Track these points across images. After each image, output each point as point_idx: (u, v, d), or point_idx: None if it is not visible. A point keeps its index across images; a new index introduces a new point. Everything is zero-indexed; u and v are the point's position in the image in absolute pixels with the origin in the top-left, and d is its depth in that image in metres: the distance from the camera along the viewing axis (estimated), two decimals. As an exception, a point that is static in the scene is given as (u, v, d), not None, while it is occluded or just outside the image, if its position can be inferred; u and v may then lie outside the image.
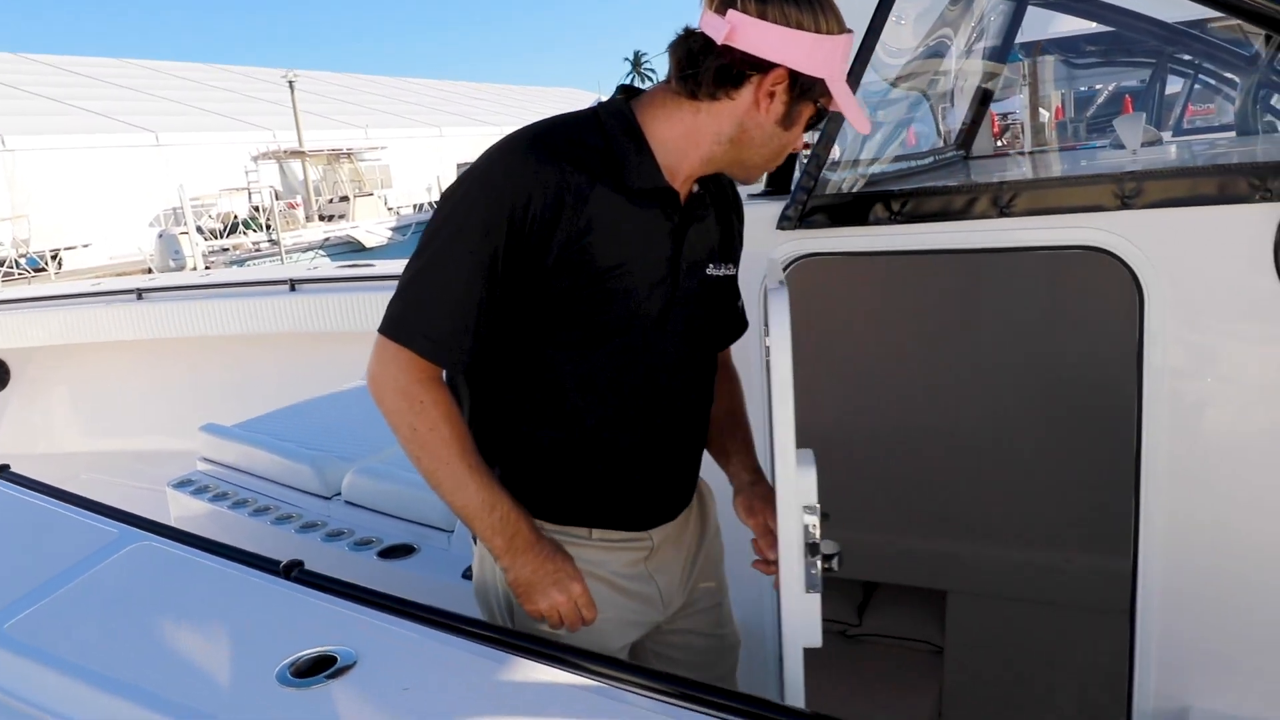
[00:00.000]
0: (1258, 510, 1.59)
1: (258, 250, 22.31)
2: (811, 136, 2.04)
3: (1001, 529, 3.08)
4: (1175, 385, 1.60)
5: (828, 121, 1.89)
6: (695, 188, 1.55)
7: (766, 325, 1.41)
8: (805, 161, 1.88)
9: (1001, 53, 3.01)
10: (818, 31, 1.36)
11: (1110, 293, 2.34)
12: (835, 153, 1.91)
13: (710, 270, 1.59)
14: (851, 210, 1.83)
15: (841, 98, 1.42)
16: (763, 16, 1.34)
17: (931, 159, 2.75)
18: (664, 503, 1.63)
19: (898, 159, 2.50)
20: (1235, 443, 1.60)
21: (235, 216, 27.44)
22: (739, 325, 1.79)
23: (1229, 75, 6.59)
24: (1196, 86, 7.57)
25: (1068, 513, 2.93)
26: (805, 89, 1.40)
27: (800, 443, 1.37)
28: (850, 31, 1.42)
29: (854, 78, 1.85)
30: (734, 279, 1.68)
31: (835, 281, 3.13)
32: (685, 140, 1.46)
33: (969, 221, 1.71)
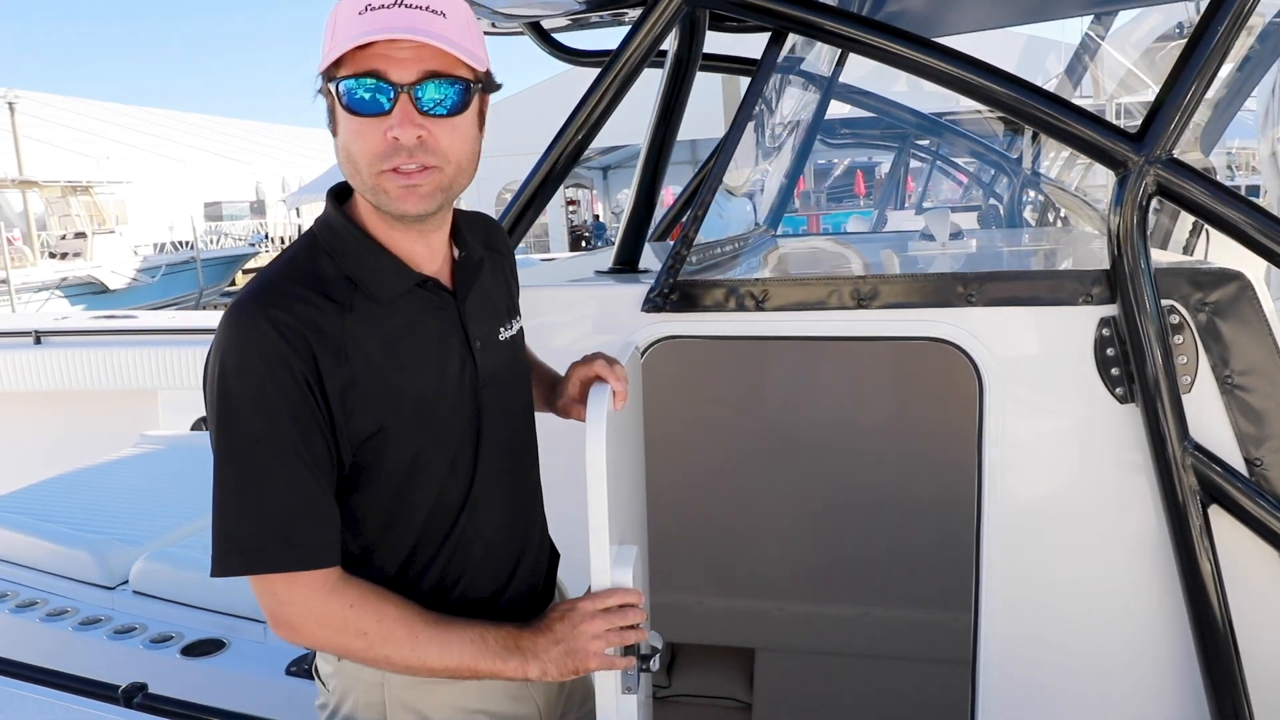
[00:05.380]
0: (1070, 571, 1.79)
1: (-25, 290, 19.59)
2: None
3: (812, 587, 3.25)
4: (1008, 462, 1.77)
5: (692, 208, 1.94)
6: (456, 253, 1.45)
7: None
8: (673, 245, 1.92)
9: (810, 137, 3.25)
10: (333, 26, 1.24)
11: (954, 378, 2.56)
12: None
13: (503, 334, 1.49)
14: (720, 296, 1.89)
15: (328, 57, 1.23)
16: None
17: (750, 239, 2.90)
18: (533, 603, 1.53)
19: (724, 241, 2.61)
20: (1056, 513, 1.79)
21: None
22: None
23: (966, 161, 7.47)
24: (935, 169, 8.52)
25: (883, 570, 3.14)
26: (325, 84, 1.27)
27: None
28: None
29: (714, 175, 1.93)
30: (521, 330, 1.57)
31: (687, 357, 3.21)
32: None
33: (828, 311, 1.82)
